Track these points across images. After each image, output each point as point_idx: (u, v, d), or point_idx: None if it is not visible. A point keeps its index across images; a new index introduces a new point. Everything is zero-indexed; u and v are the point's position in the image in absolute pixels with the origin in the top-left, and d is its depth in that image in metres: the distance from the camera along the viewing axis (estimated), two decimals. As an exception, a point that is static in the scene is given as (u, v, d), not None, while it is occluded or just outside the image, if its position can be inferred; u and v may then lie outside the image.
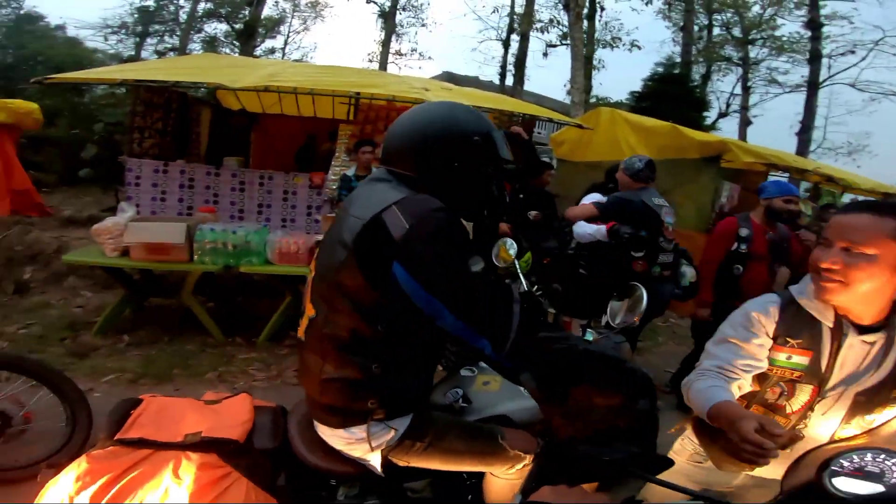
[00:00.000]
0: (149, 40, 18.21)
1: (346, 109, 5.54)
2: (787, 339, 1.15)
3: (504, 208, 3.63)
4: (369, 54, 20.45)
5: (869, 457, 0.82)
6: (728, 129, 17.51)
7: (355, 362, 1.05)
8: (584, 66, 9.81)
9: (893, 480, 0.79)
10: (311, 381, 1.11)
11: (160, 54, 17.28)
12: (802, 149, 14.07)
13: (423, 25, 20.49)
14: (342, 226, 1.08)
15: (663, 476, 1.05)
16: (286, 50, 21.00)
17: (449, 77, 13.35)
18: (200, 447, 1.09)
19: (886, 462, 0.81)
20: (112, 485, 1.01)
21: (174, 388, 2.95)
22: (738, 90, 17.15)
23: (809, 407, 1.16)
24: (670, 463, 1.13)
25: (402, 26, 18.98)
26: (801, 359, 1.14)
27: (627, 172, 2.97)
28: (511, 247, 1.90)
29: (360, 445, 1.11)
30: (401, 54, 19.65)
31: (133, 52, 17.51)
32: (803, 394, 1.16)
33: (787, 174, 5.63)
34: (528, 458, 1.20)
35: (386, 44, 18.16)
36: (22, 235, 5.04)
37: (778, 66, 16.40)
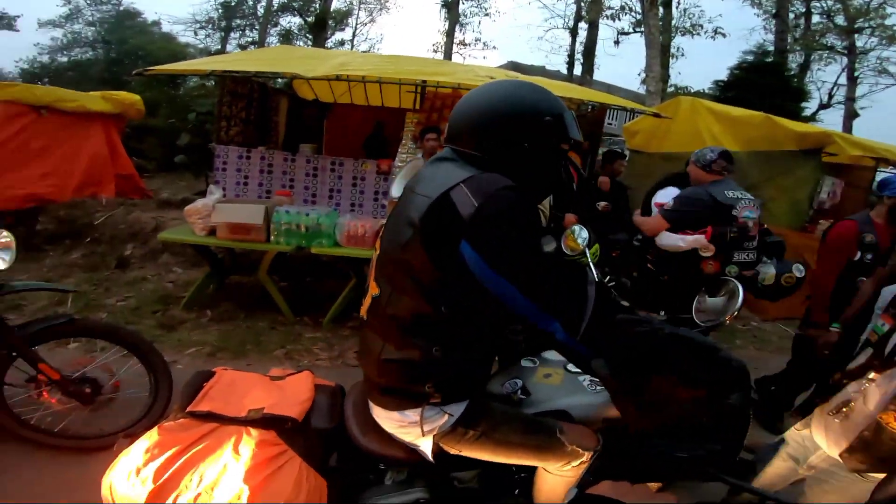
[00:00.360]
0: (232, 35, 19.49)
1: (412, 98, 5.61)
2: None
3: (571, 195, 3.48)
4: (434, 45, 20.63)
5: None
6: (831, 122, 15.77)
7: (416, 344, 1.04)
8: (660, 55, 9.26)
9: None
10: (371, 360, 1.11)
11: (242, 47, 18.48)
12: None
13: (486, 15, 20.27)
14: (409, 205, 1.06)
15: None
16: (354, 42, 21.67)
17: (514, 67, 13.06)
18: (261, 423, 1.12)
19: None
20: (177, 457, 1.05)
21: (246, 363, 3.13)
22: (843, 80, 15.36)
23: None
24: (752, 467, 1.04)
25: (465, 16, 18.94)
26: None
27: (699, 164, 2.72)
28: (580, 235, 1.80)
29: (413, 429, 1.10)
30: (465, 44, 19.60)
31: (219, 46, 18.84)
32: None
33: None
34: (586, 456, 1.15)
35: (450, 34, 18.16)
36: (125, 216, 5.60)
37: (889, 56, 14.50)
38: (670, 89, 13.83)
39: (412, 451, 1.14)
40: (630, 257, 3.24)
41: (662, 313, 2.48)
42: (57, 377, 2.06)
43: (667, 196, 3.02)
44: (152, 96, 8.22)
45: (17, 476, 2.00)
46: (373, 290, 1.14)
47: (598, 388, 1.22)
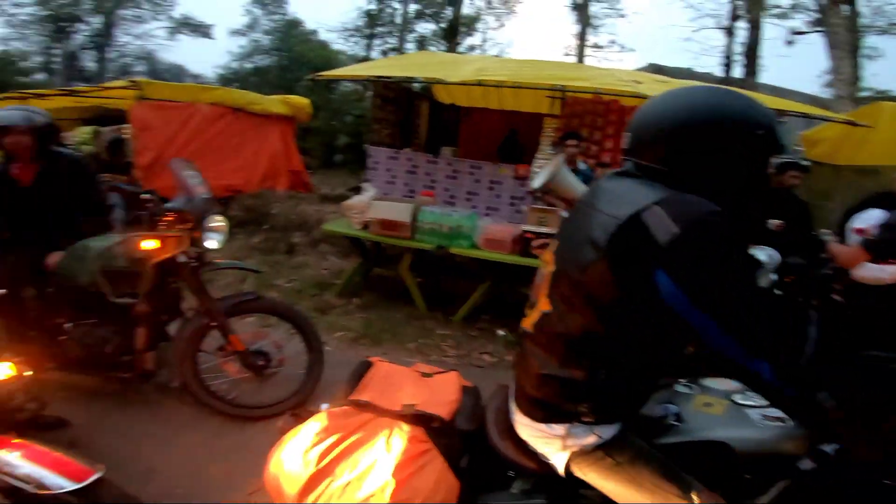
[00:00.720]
0: (375, 41, 21.02)
1: (548, 103, 5.52)
2: None
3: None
4: (566, 48, 19.94)
5: None
6: None
7: (581, 364, 1.00)
8: (849, 55, 7.76)
9: None
10: (529, 373, 1.09)
11: (384, 53, 19.89)
12: None
13: (620, 16, 19.08)
14: (589, 222, 0.99)
15: None
16: (484, 46, 21.98)
17: (656, 69, 11.89)
18: (412, 419, 1.16)
19: None
20: (338, 444, 1.11)
21: (383, 352, 3.34)
22: None
23: None
24: None
25: (597, 18, 18.10)
26: None
27: None
28: (762, 254, 1.60)
29: (553, 442, 1.07)
30: (599, 47, 18.70)
31: (364, 53, 20.53)
32: None
33: None
34: None
35: (581, 36, 17.48)
36: (293, 207, 6.45)
37: None
38: (865, 93, 11.45)
39: (543, 462, 1.12)
40: (809, 285, 2.77)
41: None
42: (242, 348, 2.34)
43: (869, 220, 2.54)
44: (314, 100, 9.29)
45: (190, 435, 2.28)
46: (543, 305, 1.09)
47: (771, 422, 1.10)
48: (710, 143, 0.95)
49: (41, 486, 1.21)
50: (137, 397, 2.52)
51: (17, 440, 1.33)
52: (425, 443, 1.13)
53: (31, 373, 1.56)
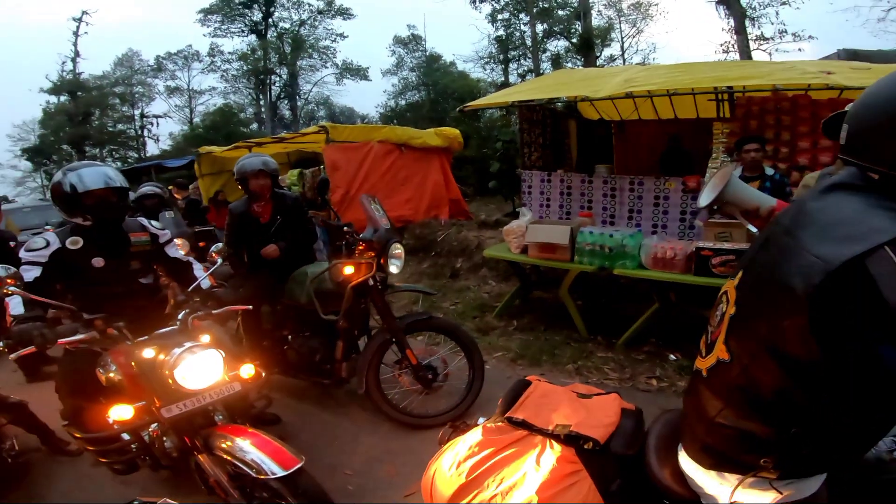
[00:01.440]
0: (511, 65, 21.28)
1: (713, 106, 4.99)
2: None
3: None
4: (722, 44, 17.59)
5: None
6: None
7: (768, 421, 0.83)
8: None
9: None
10: (700, 416, 0.96)
11: (521, 76, 20.11)
12: None
13: (783, 3, 16.17)
14: (787, 260, 0.77)
15: None
16: (625, 55, 20.65)
17: (851, 55, 9.57)
18: (565, 439, 1.15)
19: None
20: (490, 458, 1.14)
21: (540, 372, 3.35)
22: None
23: None
24: None
25: (753, 9, 15.97)
26: None
27: None
28: None
29: (721, 490, 0.94)
30: (765, 39, 16.51)
31: (502, 78, 20.94)
32: None
33: None
34: None
35: (740, 31, 15.39)
36: (455, 234, 6.89)
37: None
38: None
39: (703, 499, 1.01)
40: None
41: None
42: (415, 362, 2.63)
43: None
44: (463, 129, 9.79)
45: (367, 438, 2.60)
46: (721, 353, 0.91)
47: None
48: None
49: (260, 471, 1.52)
50: (332, 401, 3.01)
51: (251, 430, 1.70)
52: (574, 463, 1.13)
53: (264, 374, 1.96)
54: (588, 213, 4.43)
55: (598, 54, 19.52)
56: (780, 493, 0.87)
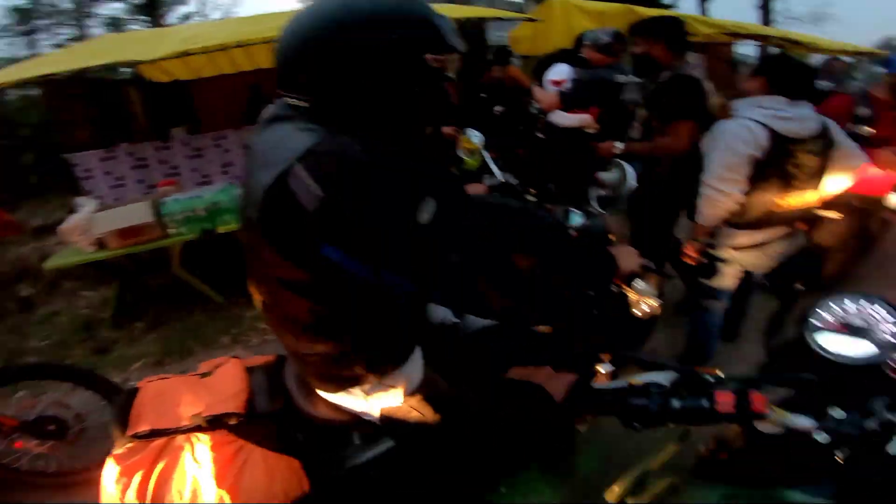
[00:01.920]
0: (42, 36, 16.56)
1: None
2: None
3: (449, 110, 3.59)
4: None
5: (848, 305, 0.74)
6: (686, 7, 16.39)
7: (324, 340, 0.91)
8: None
9: (882, 335, 0.71)
10: (293, 354, 1.01)
11: (59, 46, 15.86)
12: (764, 20, 13.52)
13: None
14: (247, 191, 0.85)
15: None
16: (205, 12, 19.19)
17: None
18: (207, 427, 1.07)
19: (867, 310, 0.74)
20: (146, 481, 1.00)
21: (197, 361, 3.11)
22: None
23: None
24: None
25: None
26: None
27: (595, 48, 2.79)
28: (473, 136, 1.80)
29: (360, 402, 1.03)
30: None
31: (26, 52, 16.02)
32: None
33: (752, 42, 5.65)
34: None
35: None
36: (3, 256, 5.07)
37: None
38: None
39: (360, 415, 1.09)
40: (533, 149, 3.37)
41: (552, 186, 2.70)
42: (15, 423, 2.07)
43: (560, 73, 3.13)
44: None
45: None
46: (258, 296, 0.98)
47: None
48: (349, 59, 0.77)
49: None
50: None
51: None
52: (234, 442, 1.06)
53: None
54: (171, 181, 4.01)
55: (165, 13, 16.68)
56: (397, 387, 1.00)
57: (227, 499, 0.99)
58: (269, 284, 0.88)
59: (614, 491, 0.90)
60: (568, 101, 2.88)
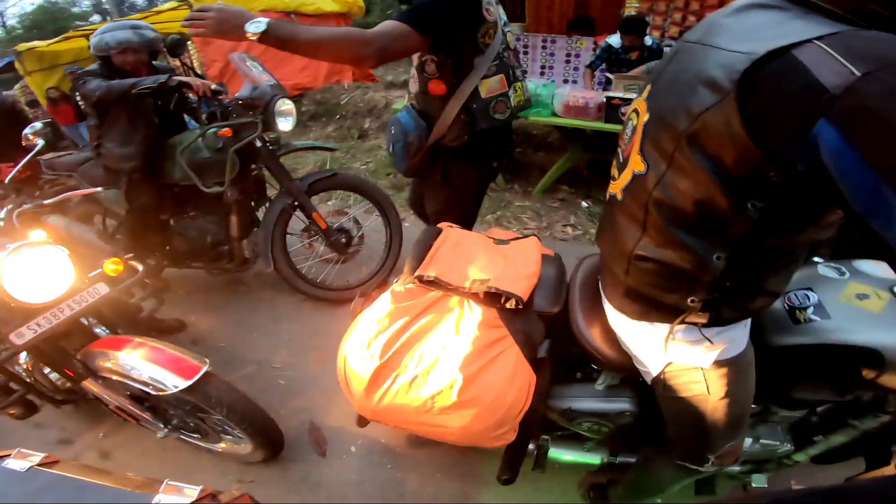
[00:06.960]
0: None
1: None
2: None
3: None
4: None
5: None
6: None
7: (690, 245, 0.75)
8: None
9: None
10: (618, 252, 0.86)
11: None
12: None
13: None
14: (701, 61, 0.70)
15: None
16: None
17: None
18: (485, 299, 1.02)
19: None
20: (403, 331, 0.99)
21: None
22: None
23: None
24: None
25: None
26: None
27: None
28: None
29: (651, 343, 0.88)
30: None
31: None
32: None
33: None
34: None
35: None
36: (361, 96, 6.29)
37: None
38: None
39: (634, 362, 0.96)
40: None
41: None
42: (325, 226, 2.36)
43: None
44: None
45: (289, 325, 2.37)
46: (635, 165, 0.81)
47: None
48: None
49: (158, 387, 1.28)
50: (242, 287, 2.71)
51: (138, 339, 1.39)
52: (498, 328, 0.99)
53: (141, 268, 1.56)
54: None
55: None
56: (712, 343, 0.84)
57: (458, 385, 0.93)
58: (678, 158, 0.72)
59: None
60: None
